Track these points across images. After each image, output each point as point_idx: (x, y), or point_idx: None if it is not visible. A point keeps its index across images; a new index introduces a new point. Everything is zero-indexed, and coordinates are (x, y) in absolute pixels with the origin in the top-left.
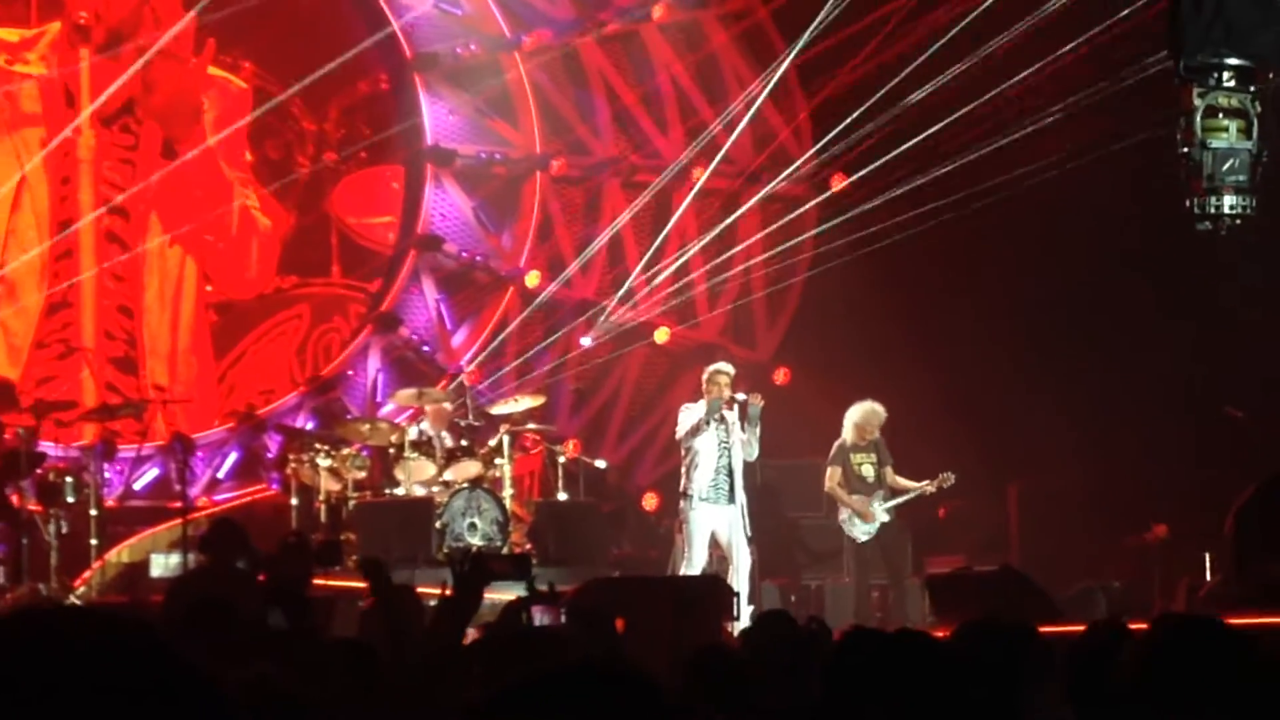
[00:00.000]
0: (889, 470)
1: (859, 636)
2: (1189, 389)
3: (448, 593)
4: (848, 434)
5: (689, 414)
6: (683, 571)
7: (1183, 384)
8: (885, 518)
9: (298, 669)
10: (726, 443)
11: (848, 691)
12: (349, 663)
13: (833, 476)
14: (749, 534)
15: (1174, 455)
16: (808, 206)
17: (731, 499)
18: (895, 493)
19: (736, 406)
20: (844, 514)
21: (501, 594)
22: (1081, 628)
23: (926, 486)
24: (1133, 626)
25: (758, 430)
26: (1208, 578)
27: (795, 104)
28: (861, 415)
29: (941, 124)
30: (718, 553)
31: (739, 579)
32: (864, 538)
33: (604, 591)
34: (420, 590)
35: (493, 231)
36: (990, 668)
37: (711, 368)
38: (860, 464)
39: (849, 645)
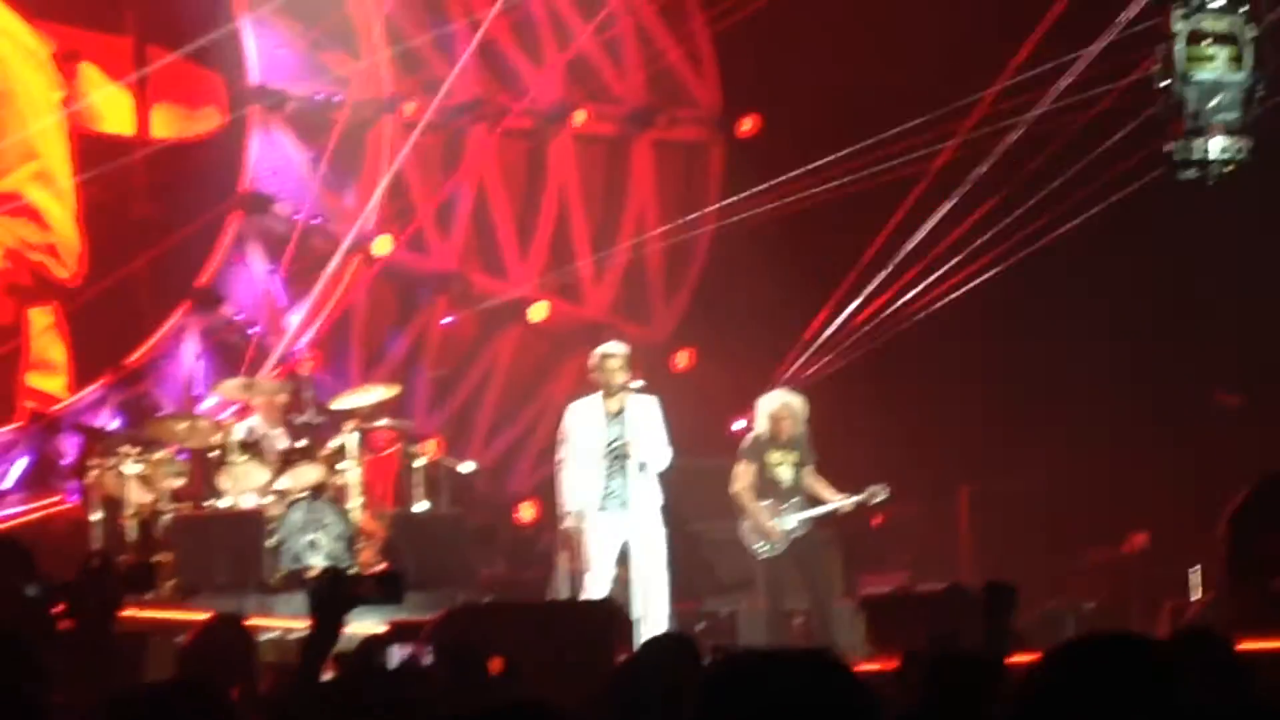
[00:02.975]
0: (809, 471)
1: (739, 661)
2: (1172, 374)
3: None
4: (761, 427)
5: (577, 417)
6: (584, 594)
7: (1164, 368)
8: (799, 531)
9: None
10: (621, 441)
11: None
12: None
13: (743, 476)
14: (664, 551)
15: (1155, 451)
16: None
17: (627, 505)
18: (812, 500)
19: (635, 393)
20: (744, 524)
21: (353, 625)
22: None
23: (844, 503)
24: None
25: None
26: (1195, 596)
27: (695, 27)
28: (776, 405)
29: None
30: (620, 573)
31: (647, 603)
32: (765, 553)
33: (472, 621)
34: (252, 622)
35: (333, 188)
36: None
37: (600, 350)
38: (778, 464)
39: (723, 673)
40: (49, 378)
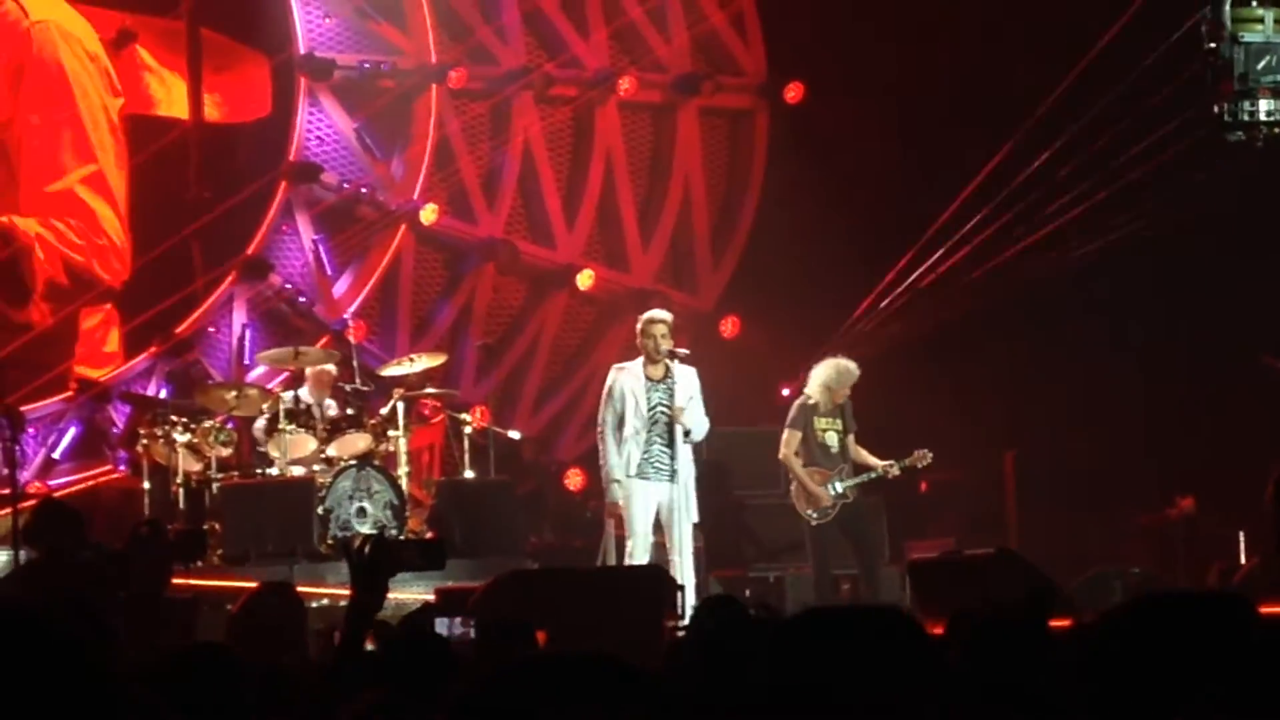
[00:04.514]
0: (851, 439)
1: (815, 614)
2: (1217, 335)
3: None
4: (815, 395)
5: (620, 379)
6: (627, 560)
7: (1210, 330)
8: (847, 497)
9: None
10: (667, 406)
11: (799, 681)
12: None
13: (790, 442)
14: (696, 517)
15: (1201, 415)
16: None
17: (673, 476)
18: (859, 467)
19: (677, 362)
20: (793, 489)
21: (401, 592)
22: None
23: (891, 467)
24: None
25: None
26: (1243, 560)
27: None
28: (833, 375)
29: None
30: (657, 539)
31: (683, 570)
32: (815, 519)
33: (519, 588)
34: (301, 589)
35: (380, 157)
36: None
37: (645, 316)
38: (825, 430)
39: (802, 625)
40: (100, 371)
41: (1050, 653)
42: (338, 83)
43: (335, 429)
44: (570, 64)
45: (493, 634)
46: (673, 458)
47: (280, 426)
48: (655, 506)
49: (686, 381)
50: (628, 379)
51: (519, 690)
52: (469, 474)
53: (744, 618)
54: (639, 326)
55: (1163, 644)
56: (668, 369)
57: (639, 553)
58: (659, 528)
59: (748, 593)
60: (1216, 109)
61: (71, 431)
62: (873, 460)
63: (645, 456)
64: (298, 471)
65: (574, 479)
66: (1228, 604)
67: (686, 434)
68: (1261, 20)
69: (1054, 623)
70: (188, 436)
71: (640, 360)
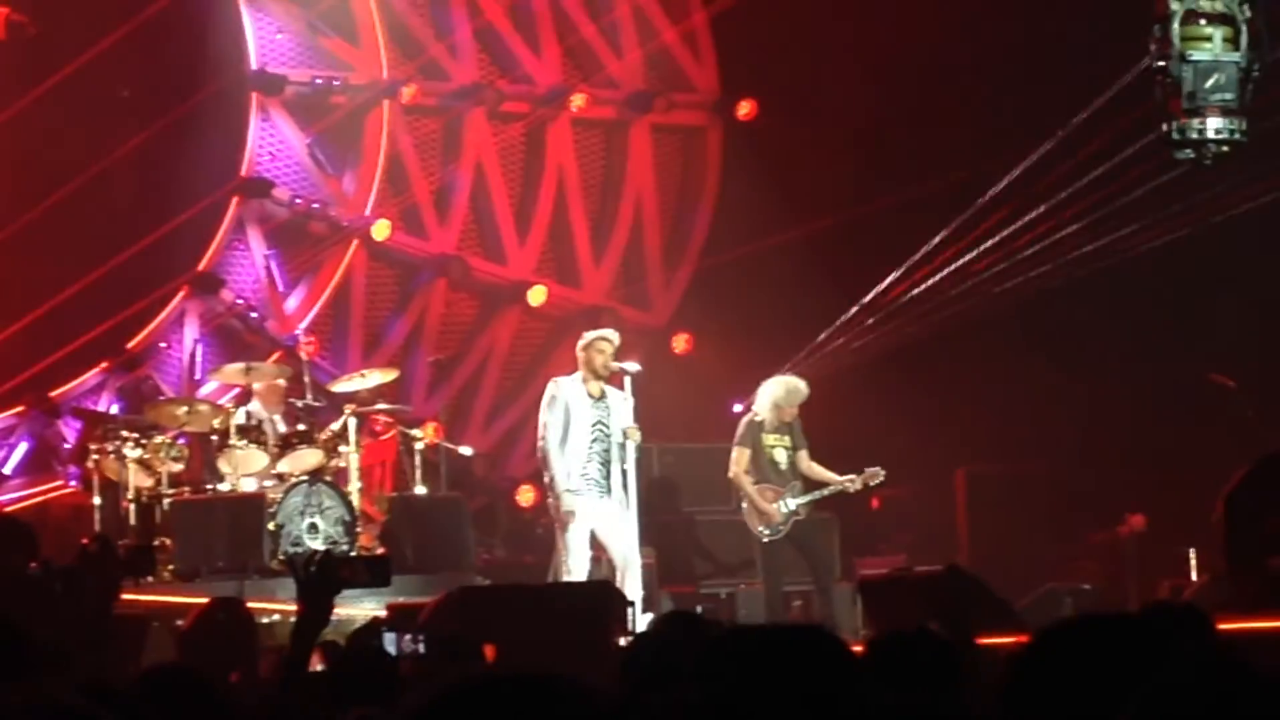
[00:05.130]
0: (804, 456)
1: (739, 635)
2: (1167, 356)
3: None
4: (763, 412)
5: (564, 394)
6: (565, 576)
7: (1160, 350)
8: (800, 514)
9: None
10: (605, 425)
11: (721, 700)
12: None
13: (740, 460)
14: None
15: (1151, 434)
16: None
17: (608, 490)
18: (810, 484)
19: (628, 381)
20: (744, 506)
21: (352, 608)
22: None
23: (848, 483)
24: None
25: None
26: (1193, 577)
27: (692, 11)
28: (782, 392)
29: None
30: (605, 556)
31: (631, 585)
32: (768, 536)
33: (470, 604)
34: (252, 605)
35: (332, 173)
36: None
37: (590, 335)
38: (773, 447)
39: (725, 646)
40: None
41: (970, 674)
42: (290, 98)
43: (287, 445)
44: (522, 80)
45: (442, 649)
46: (607, 475)
47: (231, 442)
48: (590, 523)
49: (626, 401)
50: (569, 393)
51: (465, 712)
52: (420, 490)
53: (703, 635)
54: (585, 343)
55: (1092, 667)
56: (603, 389)
57: (577, 570)
58: (596, 544)
59: (699, 609)
60: (1165, 127)
61: (22, 446)
62: (831, 475)
63: (583, 473)
64: (249, 487)
65: (525, 495)
66: (1182, 615)
67: (637, 450)
68: (1210, 39)
69: (1007, 640)
70: (139, 452)
71: (579, 376)
